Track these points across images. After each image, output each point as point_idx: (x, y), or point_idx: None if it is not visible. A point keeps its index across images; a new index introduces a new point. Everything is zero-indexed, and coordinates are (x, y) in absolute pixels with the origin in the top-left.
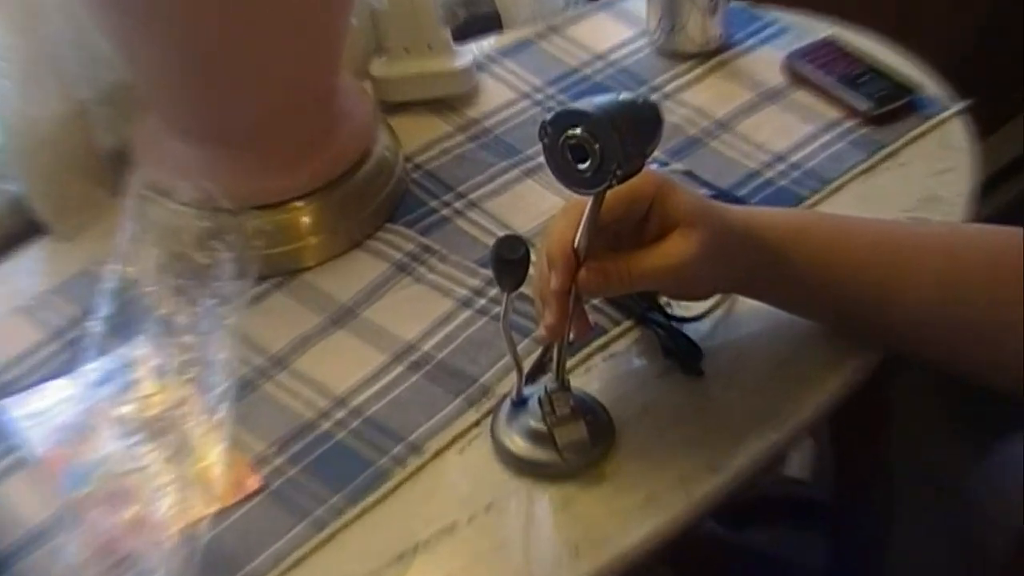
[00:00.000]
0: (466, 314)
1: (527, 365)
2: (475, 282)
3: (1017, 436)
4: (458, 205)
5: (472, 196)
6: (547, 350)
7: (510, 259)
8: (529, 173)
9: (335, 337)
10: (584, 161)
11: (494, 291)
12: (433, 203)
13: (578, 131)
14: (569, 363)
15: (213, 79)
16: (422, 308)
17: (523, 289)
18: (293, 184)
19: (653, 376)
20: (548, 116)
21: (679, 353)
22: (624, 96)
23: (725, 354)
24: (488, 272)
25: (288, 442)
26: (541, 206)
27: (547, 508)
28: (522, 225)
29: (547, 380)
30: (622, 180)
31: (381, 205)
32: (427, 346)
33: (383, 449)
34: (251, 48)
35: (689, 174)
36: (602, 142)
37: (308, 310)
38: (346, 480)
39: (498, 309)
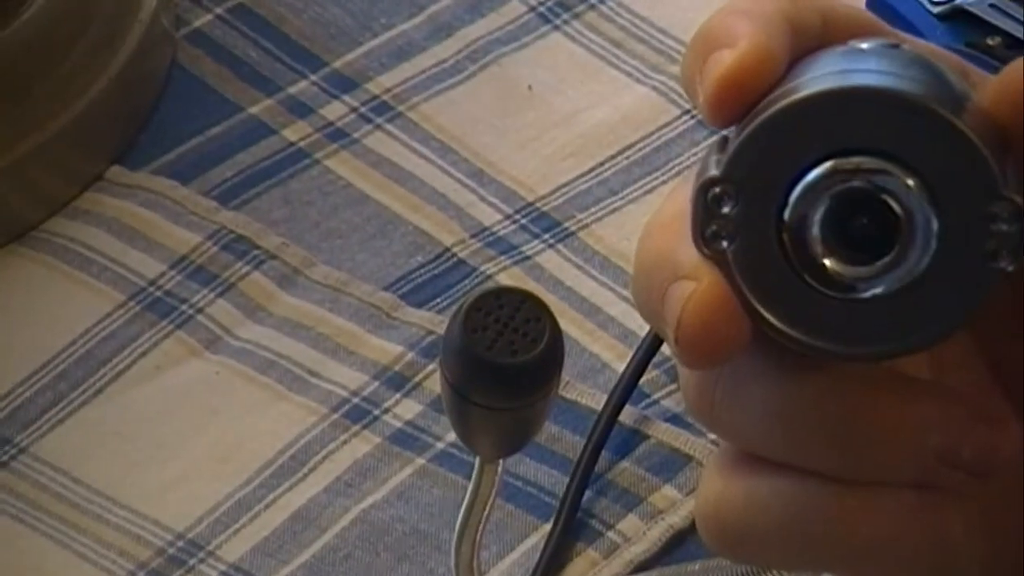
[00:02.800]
0: (354, 445)
1: None
2: (384, 347)
3: None
4: (336, 111)
5: (379, 84)
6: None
7: (504, 367)
8: (559, 11)
9: None
10: (876, 251)
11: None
12: (257, 105)
13: (866, 165)
14: None
15: None
16: (220, 432)
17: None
18: None
19: None
20: (720, 140)
21: None
22: (885, 45)
23: None
24: (422, 321)
25: None
26: (595, 114)
27: None
28: (537, 176)
29: None
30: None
31: (93, 111)
32: (236, 550)
33: None
34: None
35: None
36: (944, 178)
37: None
38: None
39: (444, 442)
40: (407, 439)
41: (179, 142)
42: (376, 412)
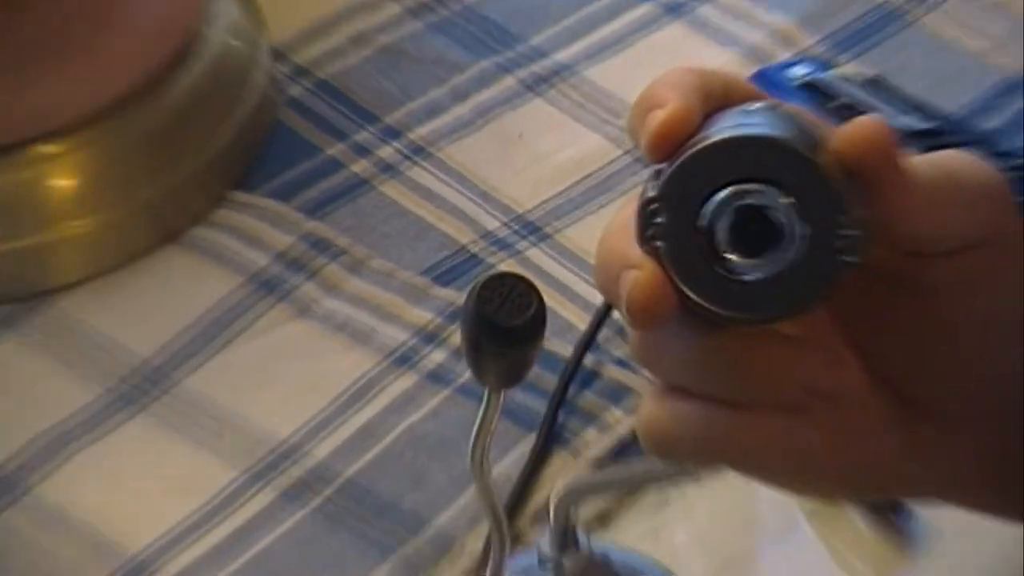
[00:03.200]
0: (401, 381)
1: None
2: (421, 314)
3: None
4: (387, 152)
5: (416, 133)
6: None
7: (506, 326)
8: (540, 83)
9: (123, 434)
10: (763, 248)
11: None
12: (333, 148)
13: (754, 189)
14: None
15: None
16: (310, 371)
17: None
18: (28, 111)
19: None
20: (659, 170)
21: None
22: (758, 106)
23: None
24: (447, 296)
25: None
26: (565, 153)
27: None
28: (525, 196)
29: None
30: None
31: (223, 153)
32: (321, 451)
33: None
34: None
35: (875, 84)
36: (807, 197)
37: (69, 375)
38: None
39: (463, 379)
40: (437, 376)
41: (280, 174)
42: (416, 358)
